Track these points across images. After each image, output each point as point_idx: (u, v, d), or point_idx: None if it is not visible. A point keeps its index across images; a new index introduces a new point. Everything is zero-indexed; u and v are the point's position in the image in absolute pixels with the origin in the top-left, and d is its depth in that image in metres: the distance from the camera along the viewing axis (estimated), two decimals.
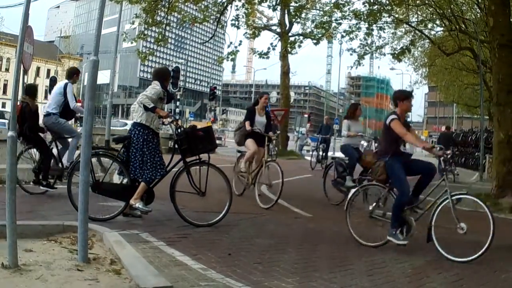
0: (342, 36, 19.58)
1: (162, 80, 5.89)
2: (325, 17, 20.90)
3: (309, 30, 22.99)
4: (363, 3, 16.08)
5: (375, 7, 15.85)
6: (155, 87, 5.76)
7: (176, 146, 5.90)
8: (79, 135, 7.45)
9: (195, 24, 20.54)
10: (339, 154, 9.91)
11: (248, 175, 8.21)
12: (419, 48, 26.43)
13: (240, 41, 24.25)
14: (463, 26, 18.72)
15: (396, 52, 18.66)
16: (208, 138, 5.99)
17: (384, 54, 20.55)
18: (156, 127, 5.75)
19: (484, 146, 16.29)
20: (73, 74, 7.86)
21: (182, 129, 6.00)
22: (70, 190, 5.45)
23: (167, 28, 16.14)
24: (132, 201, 5.52)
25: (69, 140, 7.70)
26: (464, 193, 5.34)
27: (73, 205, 5.26)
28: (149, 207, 5.63)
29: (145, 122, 5.64)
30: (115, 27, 18.66)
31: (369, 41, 18.86)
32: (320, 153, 17.84)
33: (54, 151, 7.47)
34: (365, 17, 16.75)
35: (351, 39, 19.27)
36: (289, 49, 21.55)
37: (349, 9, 17.89)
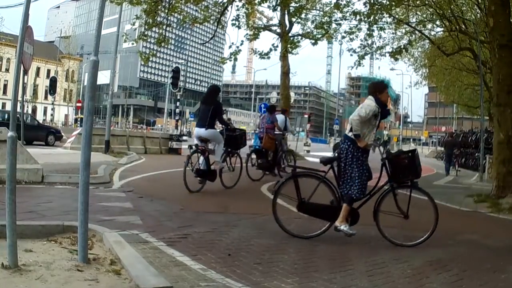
0: (343, 37, 19.63)
1: (377, 95, 5.56)
2: (325, 18, 20.93)
3: (309, 30, 23.03)
4: (364, 3, 16.11)
5: (375, 7, 15.86)
6: (370, 104, 5.44)
7: (384, 168, 5.60)
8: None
9: (195, 25, 20.55)
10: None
11: None
12: (419, 49, 26.48)
13: (242, 41, 24.18)
14: (463, 26, 18.74)
15: (393, 51, 18.67)
16: (413, 166, 5.59)
17: (385, 55, 20.57)
18: (367, 143, 5.45)
19: (484, 146, 16.31)
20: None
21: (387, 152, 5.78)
22: (276, 211, 5.52)
23: (168, 28, 16.15)
24: (337, 223, 5.31)
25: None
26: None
27: (282, 228, 5.43)
28: (354, 229, 5.34)
29: None
30: (115, 27, 18.70)
31: (369, 42, 18.90)
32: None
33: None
34: (365, 17, 16.76)
35: (351, 39, 19.32)
36: (290, 49, 21.58)
37: (349, 10, 17.93)
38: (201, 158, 8.71)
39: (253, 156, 10.16)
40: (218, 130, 9.39)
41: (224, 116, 10.28)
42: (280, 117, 13.05)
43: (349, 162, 5.39)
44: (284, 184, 5.49)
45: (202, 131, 8.78)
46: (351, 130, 5.42)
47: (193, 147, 8.79)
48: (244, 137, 10.20)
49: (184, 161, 8.57)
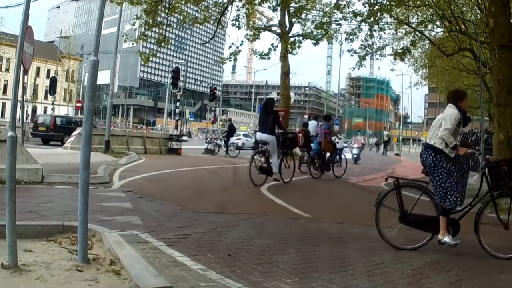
0: (346, 39, 19.62)
1: (458, 102, 5.44)
2: (325, 18, 20.95)
3: (309, 30, 23.05)
4: (363, 4, 16.11)
5: (376, 7, 15.86)
6: (453, 113, 5.29)
7: (484, 177, 5.43)
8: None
9: (196, 25, 20.56)
10: None
11: None
12: (419, 49, 26.48)
13: (242, 42, 24.19)
14: (463, 27, 18.74)
15: (397, 51, 18.69)
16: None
17: (385, 55, 20.59)
18: (450, 151, 5.25)
19: (484, 147, 16.30)
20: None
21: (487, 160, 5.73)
22: (378, 223, 5.35)
23: (168, 28, 16.15)
24: (440, 236, 5.18)
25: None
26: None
27: (384, 239, 5.27)
28: (457, 239, 5.17)
29: (439, 146, 5.27)
30: (115, 27, 18.72)
31: (369, 42, 18.91)
32: None
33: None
34: (366, 17, 16.77)
35: (352, 40, 19.33)
36: (290, 50, 21.59)
37: (349, 10, 17.94)
38: (262, 158, 10.54)
39: (256, 157, 10.80)
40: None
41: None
42: (312, 123, 15.35)
43: (436, 172, 5.29)
44: (387, 195, 5.42)
45: (264, 136, 10.50)
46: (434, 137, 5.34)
47: (257, 148, 11.03)
48: (297, 138, 12.75)
49: (249, 160, 10.63)
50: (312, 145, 14.49)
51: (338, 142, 15.00)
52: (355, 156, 24.27)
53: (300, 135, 14.71)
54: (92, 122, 3.98)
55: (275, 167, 10.48)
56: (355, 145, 25.86)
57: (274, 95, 45.28)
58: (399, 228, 5.44)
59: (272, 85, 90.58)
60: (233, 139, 26.18)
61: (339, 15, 19.11)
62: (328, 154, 14.02)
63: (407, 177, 6.56)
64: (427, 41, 21.86)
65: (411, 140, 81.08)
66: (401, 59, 19.25)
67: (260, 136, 10.63)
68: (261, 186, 10.11)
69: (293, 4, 21.17)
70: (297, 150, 14.93)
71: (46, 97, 67.74)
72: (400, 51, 18.60)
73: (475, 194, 5.30)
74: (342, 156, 16.42)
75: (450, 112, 5.32)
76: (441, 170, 5.24)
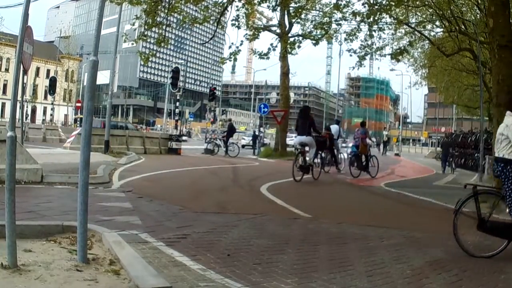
0: (346, 40, 19.64)
1: None
2: (325, 18, 20.95)
3: (309, 30, 23.05)
4: (363, 4, 16.12)
5: (375, 7, 15.86)
6: None
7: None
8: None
9: (195, 25, 20.55)
10: None
11: None
12: (419, 49, 26.50)
13: (241, 41, 24.17)
14: (463, 27, 18.74)
15: (394, 52, 18.70)
16: None
17: (384, 55, 20.59)
18: None
19: (483, 147, 16.31)
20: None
21: None
22: (457, 231, 5.16)
23: (167, 28, 16.15)
24: None
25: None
26: None
27: (462, 248, 5.09)
28: None
29: (507, 156, 5.16)
30: (115, 27, 18.72)
31: (369, 42, 18.92)
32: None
33: None
34: (365, 17, 16.77)
35: (351, 40, 19.34)
36: (289, 50, 21.59)
37: (349, 10, 17.94)
38: (301, 157, 12.20)
39: (298, 157, 12.31)
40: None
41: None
42: (334, 127, 17.05)
43: (507, 183, 5.19)
44: (465, 203, 5.35)
45: (303, 138, 12.30)
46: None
47: (298, 149, 12.86)
48: (326, 141, 15.08)
49: (292, 160, 12.56)
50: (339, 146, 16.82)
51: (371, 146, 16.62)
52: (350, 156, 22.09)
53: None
54: (92, 122, 3.97)
55: (312, 159, 12.58)
56: (350, 144, 22.41)
57: (273, 95, 45.25)
58: (477, 236, 5.33)
59: (271, 85, 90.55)
60: (232, 140, 26.14)
61: (339, 15, 19.12)
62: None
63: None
64: (427, 41, 21.87)
65: (410, 140, 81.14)
66: (397, 60, 19.26)
67: (300, 138, 12.46)
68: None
69: (292, 4, 21.18)
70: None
71: (45, 97, 67.68)
72: (397, 51, 18.62)
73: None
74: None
75: (510, 120, 5.31)
76: None
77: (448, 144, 23.67)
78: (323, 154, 15.42)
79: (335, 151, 16.49)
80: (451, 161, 22.04)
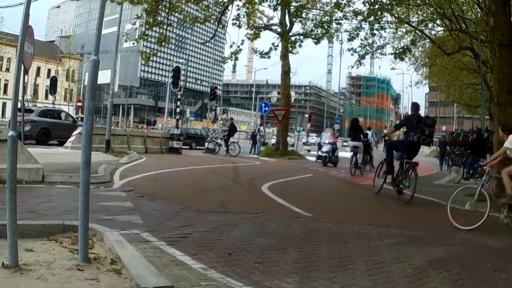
0: (348, 40, 19.63)
1: None
2: (325, 17, 20.94)
3: (309, 29, 23.03)
4: (363, 3, 16.11)
5: (376, 6, 15.85)
6: None
7: None
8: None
9: (196, 24, 20.56)
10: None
11: None
12: (420, 48, 26.49)
13: (242, 41, 24.19)
14: (464, 25, 18.74)
15: (398, 51, 18.71)
16: None
17: (385, 54, 20.58)
18: None
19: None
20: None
21: None
22: None
23: (168, 28, 16.15)
24: None
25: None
26: None
27: None
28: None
29: None
30: (115, 27, 18.71)
31: (370, 41, 18.91)
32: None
33: None
34: (366, 16, 16.77)
35: (352, 38, 19.33)
36: (290, 49, 21.58)
37: (349, 9, 17.94)
38: (355, 158, 15.63)
39: (353, 157, 15.67)
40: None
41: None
42: (369, 133, 19.28)
43: None
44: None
45: (356, 143, 15.84)
46: None
47: (352, 151, 15.97)
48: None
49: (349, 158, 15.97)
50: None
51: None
52: (324, 154, 19.70)
53: None
54: (93, 121, 3.97)
55: (361, 160, 15.96)
56: (327, 141, 20.12)
57: (274, 94, 45.28)
58: None
59: (272, 84, 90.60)
60: (233, 139, 26.12)
61: (340, 14, 19.12)
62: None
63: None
64: (428, 40, 21.87)
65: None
66: (401, 59, 19.28)
67: (354, 143, 16.00)
68: (260, 185, 10.16)
69: (293, 3, 21.18)
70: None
71: (46, 97, 67.69)
72: (400, 50, 18.62)
73: None
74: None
75: None
76: None
77: (445, 143, 24.83)
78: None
79: (371, 152, 18.92)
80: (448, 159, 22.68)
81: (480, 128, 21.36)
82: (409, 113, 11.31)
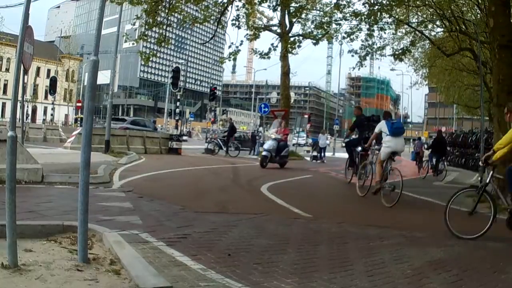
0: (344, 38, 19.66)
1: None
2: (325, 18, 20.95)
3: (309, 30, 23.04)
4: (363, 4, 16.12)
5: (376, 7, 15.86)
6: None
7: None
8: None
9: (196, 25, 20.56)
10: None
11: None
12: (420, 49, 26.49)
13: (241, 41, 24.21)
14: (463, 27, 18.72)
15: (397, 52, 18.72)
16: None
17: (385, 55, 20.60)
18: None
19: (484, 147, 16.29)
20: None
21: None
22: None
23: (168, 28, 16.15)
24: None
25: None
26: None
27: None
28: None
29: None
30: (115, 27, 18.73)
31: (370, 42, 18.92)
32: None
33: None
34: (366, 17, 16.77)
35: (352, 40, 19.35)
36: (290, 49, 21.58)
37: (349, 10, 17.95)
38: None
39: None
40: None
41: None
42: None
43: None
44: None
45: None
46: None
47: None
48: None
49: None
50: None
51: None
52: (265, 153, 16.22)
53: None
54: (92, 122, 3.97)
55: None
56: (273, 135, 17.26)
57: (274, 94, 45.29)
58: None
59: (272, 85, 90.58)
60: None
61: (339, 15, 19.12)
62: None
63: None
64: (427, 41, 21.84)
65: (411, 140, 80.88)
66: (400, 60, 19.29)
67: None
68: (260, 185, 10.17)
69: (293, 4, 21.17)
70: None
71: (46, 97, 67.77)
72: (399, 52, 18.63)
73: None
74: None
75: None
76: None
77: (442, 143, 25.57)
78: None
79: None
80: (443, 159, 23.48)
81: (440, 129, 23.14)
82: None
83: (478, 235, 5.81)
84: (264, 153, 15.93)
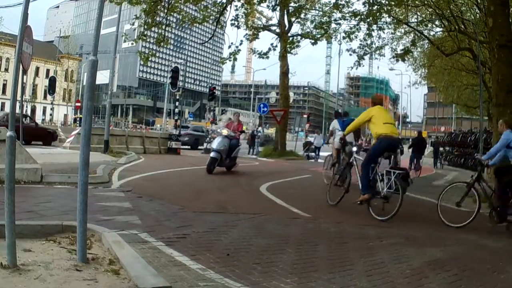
0: (343, 38, 19.65)
1: None
2: (324, 18, 20.96)
3: (308, 30, 23.05)
4: (363, 3, 16.12)
5: (375, 7, 15.87)
6: None
7: None
8: None
9: (195, 25, 20.56)
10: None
11: None
12: (419, 49, 26.51)
13: (241, 41, 24.26)
14: (463, 26, 18.74)
15: (398, 53, 18.76)
16: None
17: (384, 55, 20.62)
18: None
19: (483, 146, 16.32)
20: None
21: None
22: None
23: (167, 28, 16.15)
24: None
25: None
26: None
27: None
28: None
29: None
30: (114, 27, 18.71)
31: (368, 42, 18.94)
32: None
33: None
34: (365, 17, 16.78)
35: (351, 39, 19.35)
36: (289, 49, 21.59)
37: (348, 10, 17.96)
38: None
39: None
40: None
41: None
42: None
43: None
44: None
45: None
46: None
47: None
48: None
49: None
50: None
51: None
52: (213, 155, 13.06)
53: None
54: (91, 121, 3.97)
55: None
56: (223, 132, 14.05)
57: (273, 94, 45.22)
58: None
59: (271, 84, 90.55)
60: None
61: (338, 15, 19.14)
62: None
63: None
64: (426, 41, 21.87)
65: (410, 140, 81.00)
66: (403, 60, 19.34)
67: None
68: (259, 185, 10.19)
69: (292, 4, 21.18)
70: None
71: (45, 97, 67.72)
72: (401, 52, 18.66)
73: None
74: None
75: None
76: None
77: (438, 144, 28.59)
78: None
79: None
80: (441, 158, 26.42)
81: (420, 130, 24.88)
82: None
83: (465, 224, 6.84)
84: (212, 154, 12.77)
